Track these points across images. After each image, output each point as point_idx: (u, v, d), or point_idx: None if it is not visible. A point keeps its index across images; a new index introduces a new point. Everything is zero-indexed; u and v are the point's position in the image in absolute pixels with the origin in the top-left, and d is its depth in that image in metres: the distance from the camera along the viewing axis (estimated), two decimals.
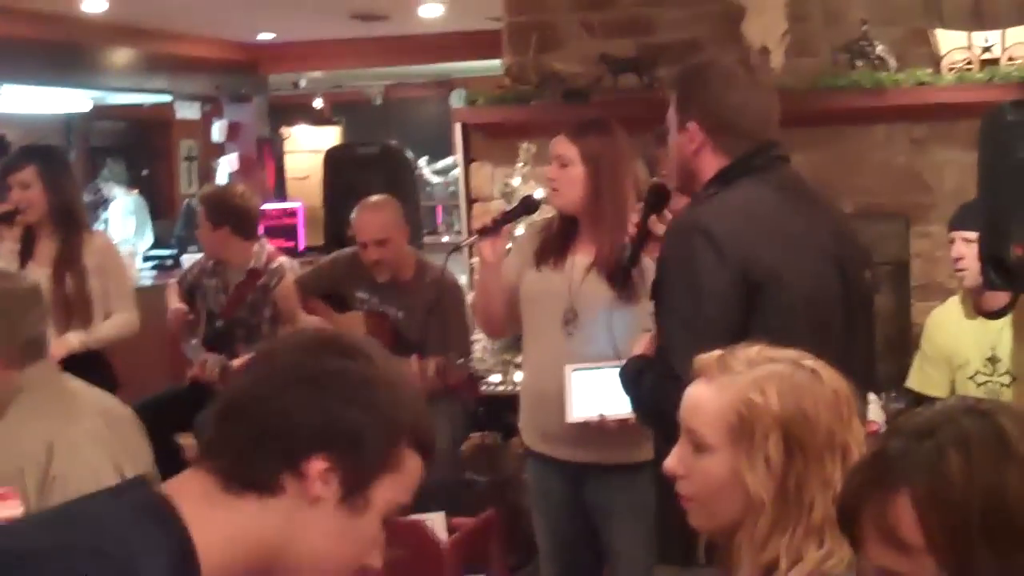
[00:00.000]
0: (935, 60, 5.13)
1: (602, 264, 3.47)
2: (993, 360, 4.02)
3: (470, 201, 5.81)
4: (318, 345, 1.56)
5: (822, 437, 1.80)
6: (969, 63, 5.03)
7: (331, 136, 12.95)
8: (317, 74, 12.79)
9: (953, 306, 4.20)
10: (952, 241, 4.06)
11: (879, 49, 5.07)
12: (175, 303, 5.27)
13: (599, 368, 3.29)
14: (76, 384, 2.81)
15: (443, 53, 11.03)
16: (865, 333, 2.72)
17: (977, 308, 4.07)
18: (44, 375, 2.70)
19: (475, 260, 5.19)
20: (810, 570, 1.76)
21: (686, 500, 1.90)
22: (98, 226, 11.35)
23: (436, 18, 9.54)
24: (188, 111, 11.83)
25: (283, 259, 5.24)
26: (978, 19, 5.13)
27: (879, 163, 5.28)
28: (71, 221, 4.83)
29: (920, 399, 4.03)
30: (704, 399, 1.88)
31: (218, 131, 11.71)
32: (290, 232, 10.49)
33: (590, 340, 3.18)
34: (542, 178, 4.63)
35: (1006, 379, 3.97)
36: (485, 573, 4.33)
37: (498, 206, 5.01)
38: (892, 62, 5.07)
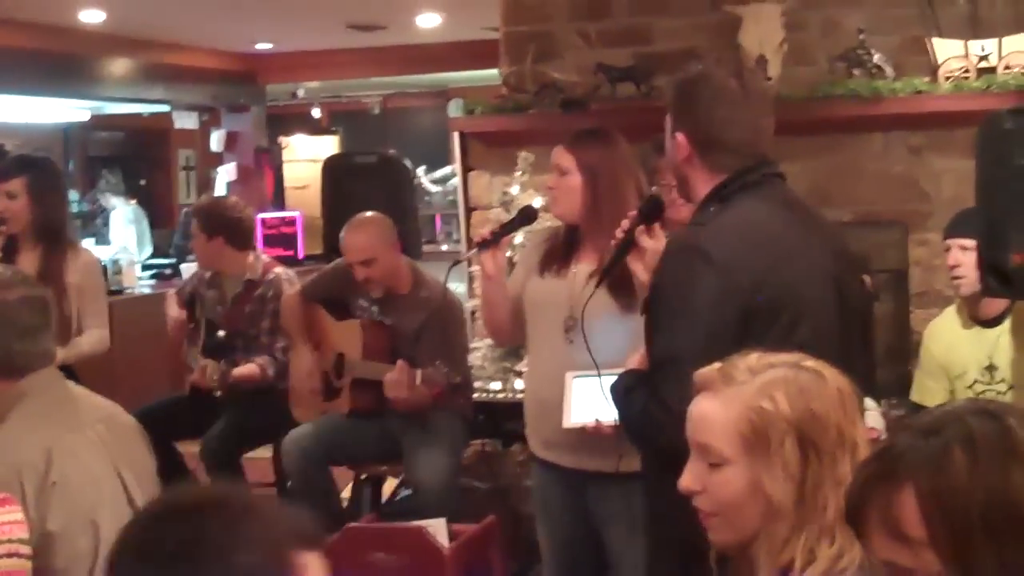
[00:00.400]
0: (932, 69, 5.14)
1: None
2: (991, 369, 4.03)
3: (469, 210, 5.82)
4: (160, 522, 1.45)
5: (833, 436, 1.81)
6: (966, 72, 5.04)
7: (329, 146, 12.98)
8: (315, 84, 12.82)
9: (949, 316, 4.21)
10: (948, 249, 4.06)
11: (876, 58, 5.08)
12: (175, 312, 5.27)
13: (600, 375, 3.29)
14: (79, 391, 2.81)
15: (441, 63, 11.06)
16: (861, 346, 2.72)
17: (973, 317, 4.08)
18: (47, 382, 2.70)
19: (473, 269, 5.20)
20: (823, 569, 1.77)
21: (707, 516, 1.89)
22: (97, 236, 11.40)
23: (434, 28, 9.56)
24: (186, 121, 11.85)
25: (280, 269, 5.25)
26: (975, 28, 5.14)
27: (877, 171, 5.29)
28: (54, 236, 4.78)
29: (921, 411, 4.04)
30: (713, 413, 1.87)
31: (216, 141, 11.73)
32: (289, 241, 10.52)
33: (591, 348, 3.18)
34: (540, 187, 4.65)
35: (1003, 387, 3.97)
36: None
37: (496, 215, 5.01)
38: (889, 71, 5.08)
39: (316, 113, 14.15)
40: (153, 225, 11.71)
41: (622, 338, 3.18)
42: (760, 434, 1.81)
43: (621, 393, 2.70)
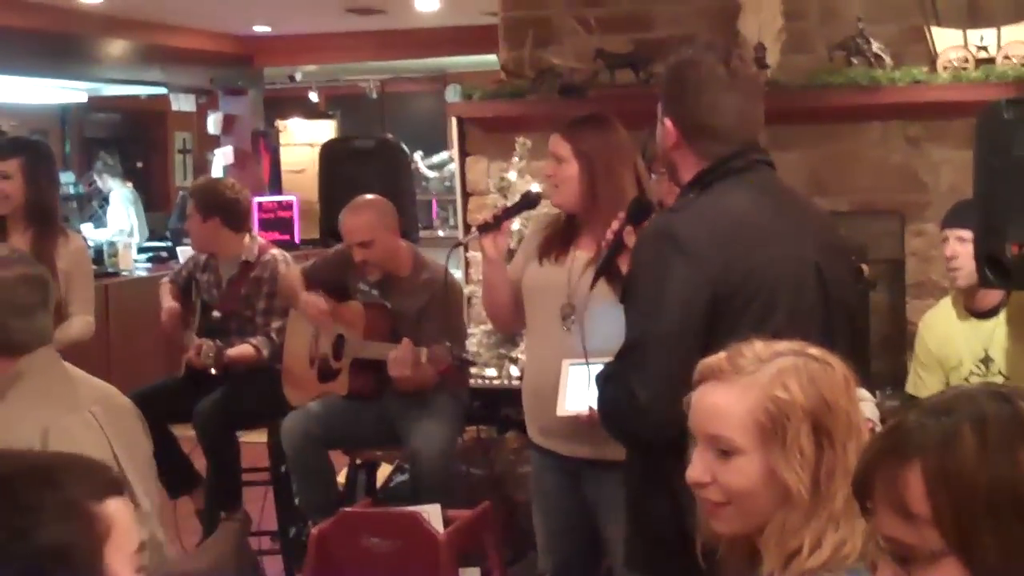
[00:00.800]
0: (931, 58, 5.13)
1: None
2: (986, 361, 4.03)
3: (466, 195, 5.82)
4: None
5: (843, 422, 1.82)
6: (965, 61, 5.04)
7: (326, 130, 12.96)
8: (312, 67, 12.79)
9: (944, 308, 4.20)
10: (945, 240, 4.05)
11: (875, 47, 5.08)
12: (168, 302, 5.28)
13: (596, 363, 3.29)
14: (76, 373, 2.80)
15: (439, 47, 11.03)
16: (848, 336, 2.70)
17: (969, 308, 4.07)
18: (45, 362, 2.70)
19: (471, 255, 5.20)
20: (827, 557, 1.77)
21: (717, 507, 1.87)
22: (94, 218, 11.40)
23: (432, 12, 9.54)
24: (183, 103, 11.83)
25: (275, 251, 5.25)
26: (974, 18, 5.14)
27: (874, 161, 5.29)
28: (45, 220, 4.79)
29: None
30: (725, 403, 1.86)
31: (213, 124, 11.72)
32: (285, 225, 10.51)
33: (588, 335, 3.18)
34: (538, 173, 4.65)
35: (999, 379, 3.97)
36: (480, 565, 4.35)
37: (494, 200, 5.01)
38: (888, 60, 5.08)
39: (314, 97, 14.13)
40: (149, 208, 11.70)
41: (619, 326, 3.18)
42: (777, 423, 1.81)
43: (600, 381, 2.69)
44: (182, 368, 5.14)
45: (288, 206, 10.69)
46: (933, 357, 4.15)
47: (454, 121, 5.92)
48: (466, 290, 5.28)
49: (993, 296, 3.98)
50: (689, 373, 1.95)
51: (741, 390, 1.85)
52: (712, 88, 2.66)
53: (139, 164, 13.55)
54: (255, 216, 9.39)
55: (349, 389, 4.74)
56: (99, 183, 11.58)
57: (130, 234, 10.72)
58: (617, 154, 3.58)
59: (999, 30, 5.04)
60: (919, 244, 5.23)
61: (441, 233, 10.60)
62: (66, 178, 11.05)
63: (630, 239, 2.92)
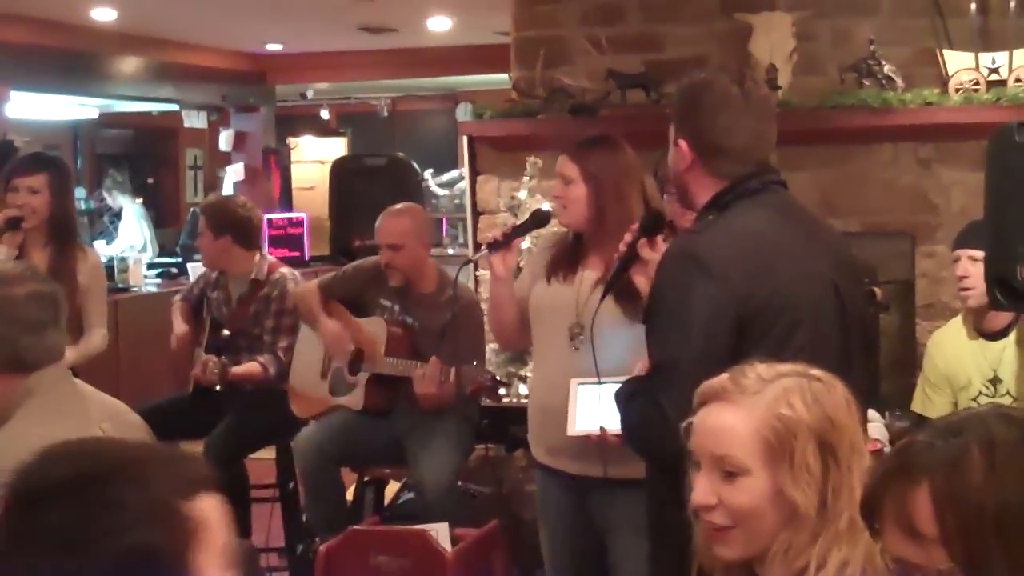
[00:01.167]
0: (942, 81, 5.14)
1: None
2: (995, 381, 4.02)
3: (476, 214, 5.82)
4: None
5: (847, 441, 1.82)
6: (976, 84, 5.05)
7: (337, 147, 12.99)
8: (324, 85, 12.83)
9: (954, 327, 4.20)
10: (957, 259, 4.06)
11: (887, 69, 5.09)
12: (179, 325, 5.27)
13: (605, 383, 3.29)
14: (87, 389, 2.80)
15: (451, 66, 11.07)
16: (862, 356, 2.71)
17: (979, 329, 4.07)
18: (55, 379, 2.69)
19: (480, 273, 5.20)
20: (832, 574, 1.77)
21: (721, 531, 1.86)
22: (104, 234, 11.42)
23: (444, 31, 9.57)
24: (195, 120, 11.85)
25: (285, 270, 5.25)
26: (986, 41, 5.15)
27: (885, 182, 5.29)
28: (66, 235, 4.85)
29: (924, 423, 4.03)
30: (731, 423, 1.85)
31: (225, 140, 11.74)
32: (295, 242, 10.53)
33: (597, 355, 3.18)
34: (548, 192, 4.65)
35: (1007, 400, 3.97)
36: None
37: (504, 219, 5.02)
38: (899, 82, 5.08)
39: (325, 114, 14.16)
40: (160, 224, 11.72)
41: (628, 346, 3.18)
42: (784, 442, 1.81)
43: (623, 400, 2.70)
44: (190, 385, 5.14)
45: (298, 223, 10.71)
46: (942, 375, 4.14)
47: (465, 140, 5.93)
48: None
49: (1003, 318, 3.98)
50: None
51: (746, 410, 1.85)
52: (728, 109, 2.67)
53: (150, 180, 13.58)
54: (265, 233, 9.40)
55: (365, 404, 4.73)
56: (108, 200, 11.62)
57: (142, 249, 10.74)
58: (625, 175, 3.58)
59: (1011, 53, 5.05)
60: (929, 265, 5.23)
61: (451, 251, 10.60)
62: (77, 194, 11.08)
63: (644, 251, 2.93)
